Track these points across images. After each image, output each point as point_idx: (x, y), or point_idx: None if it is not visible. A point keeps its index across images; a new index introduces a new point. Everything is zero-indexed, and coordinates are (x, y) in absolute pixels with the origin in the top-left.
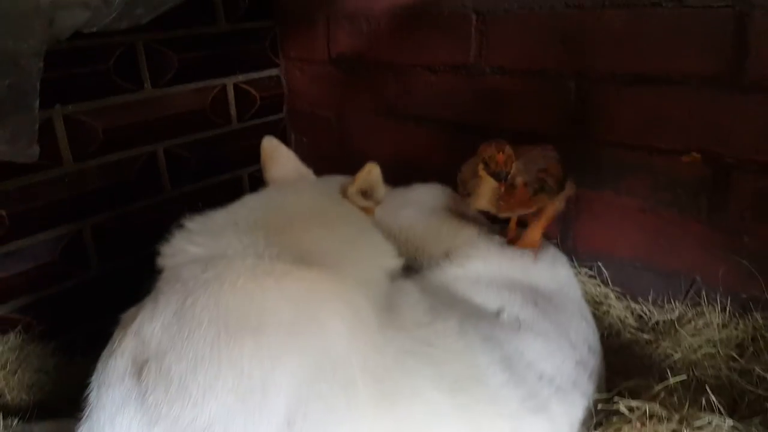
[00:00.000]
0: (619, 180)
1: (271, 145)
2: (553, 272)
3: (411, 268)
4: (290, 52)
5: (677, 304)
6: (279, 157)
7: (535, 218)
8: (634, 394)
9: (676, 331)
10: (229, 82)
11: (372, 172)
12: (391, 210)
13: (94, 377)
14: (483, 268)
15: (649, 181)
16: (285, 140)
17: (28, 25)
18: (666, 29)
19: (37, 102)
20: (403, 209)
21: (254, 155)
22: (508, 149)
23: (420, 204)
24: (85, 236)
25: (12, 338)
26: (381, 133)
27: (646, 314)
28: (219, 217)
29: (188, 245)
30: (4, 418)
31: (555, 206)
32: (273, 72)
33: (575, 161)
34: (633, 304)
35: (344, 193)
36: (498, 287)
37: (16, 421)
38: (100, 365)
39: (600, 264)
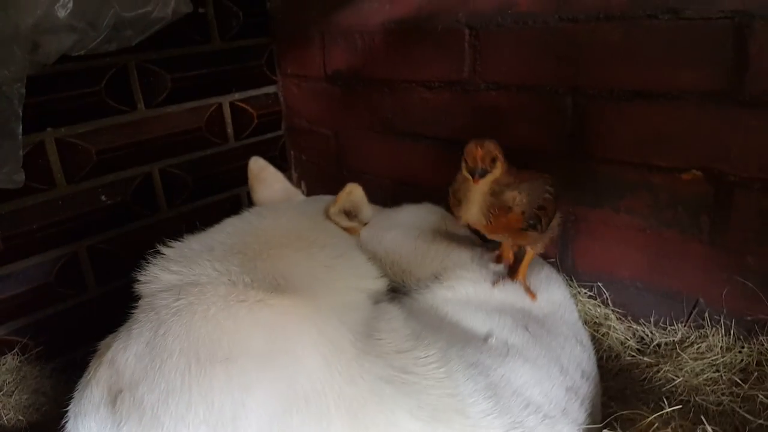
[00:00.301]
0: (619, 198)
1: (257, 166)
2: (548, 294)
3: (398, 291)
4: (287, 68)
5: (679, 326)
6: (266, 178)
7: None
8: (628, 423)
9: (678, 354)
10: (225, 100)
11: (353, 193)
12: (376, 232)
13: (71, 406)
14: (473, 291)
15: (650, 200)
16: (284, 157)
17: (7, 52)
18: (663, 42)
19: (20, 128)
20: (389, 231)
21: None
22: (490, 146)
23: (407, 225)
24: (80, 258)
25: (9, 360)
26: (378, 150)
27: (647, 336)
28: (195, 242)
29: (162, 272)
30: None
31: (537, 250)
32: (270, 89)
33: (573, 179)
34: (634, 326)
35: (326, 213)
36: (488, 311)
37: None
38: (76, 394)
39: (600, 284)
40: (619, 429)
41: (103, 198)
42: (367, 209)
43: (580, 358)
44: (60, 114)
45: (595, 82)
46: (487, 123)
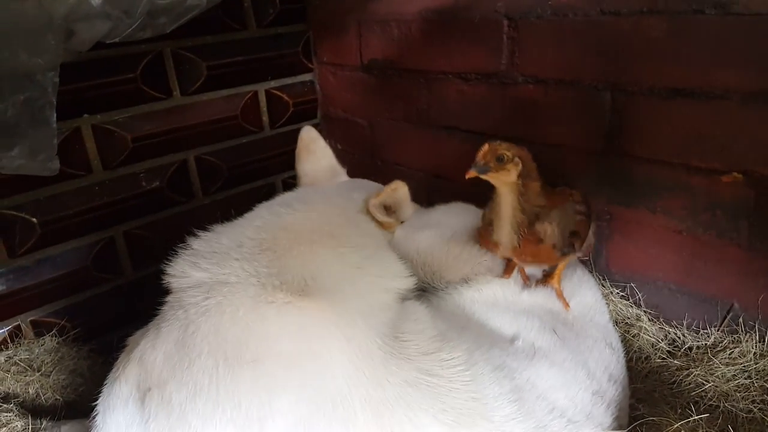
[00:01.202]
0: (655, 199)
1: (309, 136)
2: (579, 297)
3: (425, 290)
4: (323, 56)
5: (712, 330)
6: (315, 150)
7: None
8: (653, 429)
9: (710, 359)
10: (261, 88)
11: (398, 190)
12: (409, 231)
13: (99, 400)
14: (501, 293)
15: (687, 201)
16: None
17: (42, 40)
18: (709, 39)
19: (55, 116)
20: (422, 231)
21: (287, 162)
22: (503, 145)
23: (440, 226)
24: (117, 242)
25: (47, 341)
26: (412, 141)
27: (679, 339)
28: (225, 236)
29: (192, 269)
30: (34, 418)
31: (566, 263)
32: (306, 77)
33: (608, 177)
34: (666, 328)
35: (366, 203)
36: (515, 312)
37: (45, 422)
38: (105, 390)
39: (633, 285)
40: None
41: (143, 184)
42: (408, 208)
43: (609, 362)
44: (96, 101)
45: (635, 78)
46: (523, 117)
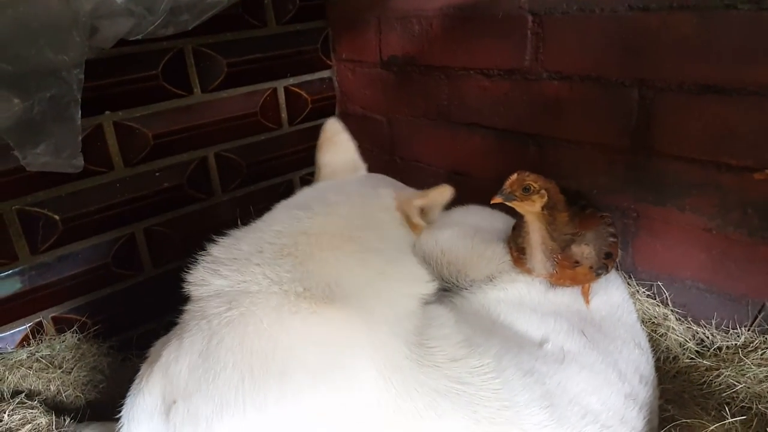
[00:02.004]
0: (684, 197)
1: (333, 129)
2: (606, 296)
3: (448, 290)
4: (342, 53)
5: (743, 330)
6: (338, 143)
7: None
8: (686, 431)
9: (741, 359)
10: (280, 85)
11: (444, 194)
12: (432, 231)
13: (124, 412)
14: (527, 292)
15: (717, 199)
16: None
17: (67, 37)
18: (741, 34)
19: (79, 113)
20: (445, 230)
21: (305, 159)
22: (530, 176)
23: (462, 225)
24: (137, 239)
25: (68, 337)
26: (432, 138)
27: (707, 339)
28: (244, 242)
29: (212, 276)
30: (57, 415)
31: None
32: (325, 74)
33: (635, 175)
34: (694, 327)
35: (400, 202)
36: (543, 314)
37: (68, 420)
38: (129, 401)
39: (660, 284)
40: None
41: (163, 181)
42: (439, 212)
43: (638, 362)
44: (118, 98)
45: (664, 74)
46: (546, 113)
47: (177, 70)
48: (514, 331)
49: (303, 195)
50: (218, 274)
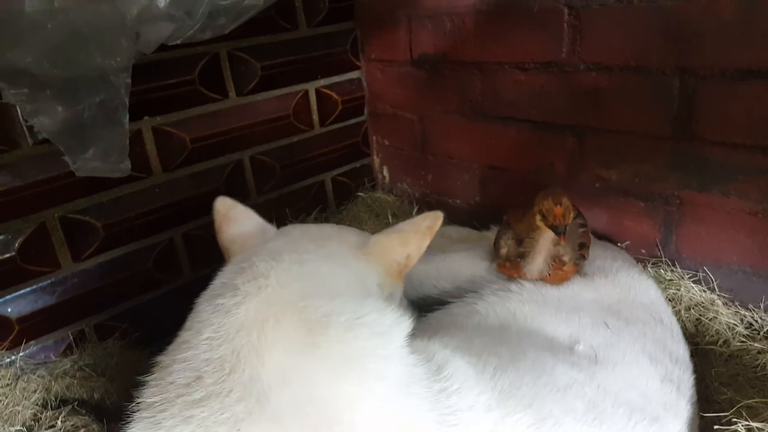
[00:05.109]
0: (728, 182)
1: (223, 205)
2: (613, 280)
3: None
4: (371, 53)
5: None
6: (235, 217)
7: None
8: (751, 412)
9: None
10: (311, 87)
11: (434, 227)
12: (440, 263)
13: None
14: (546, 290)
15: (763, 183)
16: (366, 143)
17: (114, 42)
18: None
19: (127, 117)
20: (453, 256)
21: (337, 159)
22: (566, 201)
23: (461, 249)
24: (176, 244)
25: (110, 344)
26: (465, 134)
27: (756, 322)
28: (175, 369)
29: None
30: (108, 422)
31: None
32: (354, 75)
33: (678, 162)
34: (742, 312)
35: (378, 254)
36: (567, 312)
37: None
38: None
39: (706, 269)
40: (746, 416)
41: (201, 184)
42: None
43: (664, 339)
44: (156, 103)
45: (705, 61)
46: (584, 105)
47: (213, 74)
48: (543, 336)
49: (225, 273)
50: (161, 426)
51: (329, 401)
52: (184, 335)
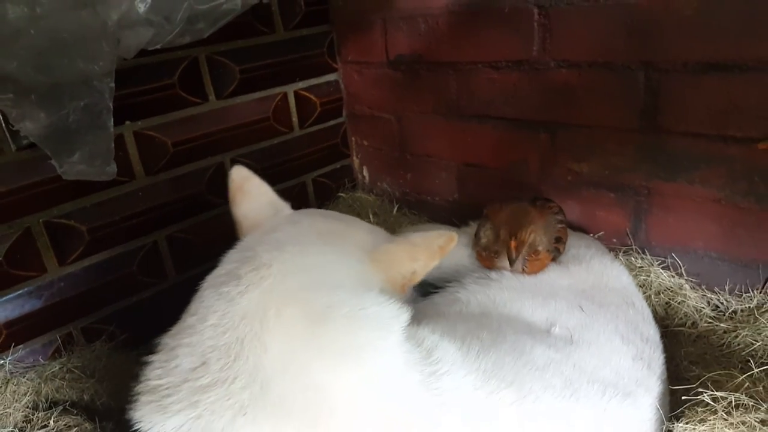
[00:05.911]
0: (693, 170)
1: (239, 176)
2: (587, 266)
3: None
4: (348, 55)
5: (755, 293)
6: (249, 190)
7: None
8: (716, 385)
9: (756, 319)
10: (290, 89)
11: (447, 247)
12: None
13: None
14: (522, 277)
15: (724, 171)
16: (346, 144)
17: (97, 47)
18: (740, 13)
19: (111, 121)
20: None
21: (317, 161)
22: (522, 235)
23: None
24: (160, 247)
25: (98, 347)
26: (442, 133)
27: (722, 304)
28: (181, 352)
29: (160, 415)
30: (100, 421)
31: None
32: (332, 77)
33: (645, 154)
34: (709, 294)
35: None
36: (544, 297)
37: (109, 425)
38: None
39: (674, 255)
40: (711, 388)
41: (183, 187)
42: None
43: (635, 321)
44: (137, 107)
45: (667, 56)
46: (556, 101)
47: (192, 78)
48: (522, 321)
49: (229, 260)
50: (168, 410)
51: (330, 389)
52: (189, 320)
